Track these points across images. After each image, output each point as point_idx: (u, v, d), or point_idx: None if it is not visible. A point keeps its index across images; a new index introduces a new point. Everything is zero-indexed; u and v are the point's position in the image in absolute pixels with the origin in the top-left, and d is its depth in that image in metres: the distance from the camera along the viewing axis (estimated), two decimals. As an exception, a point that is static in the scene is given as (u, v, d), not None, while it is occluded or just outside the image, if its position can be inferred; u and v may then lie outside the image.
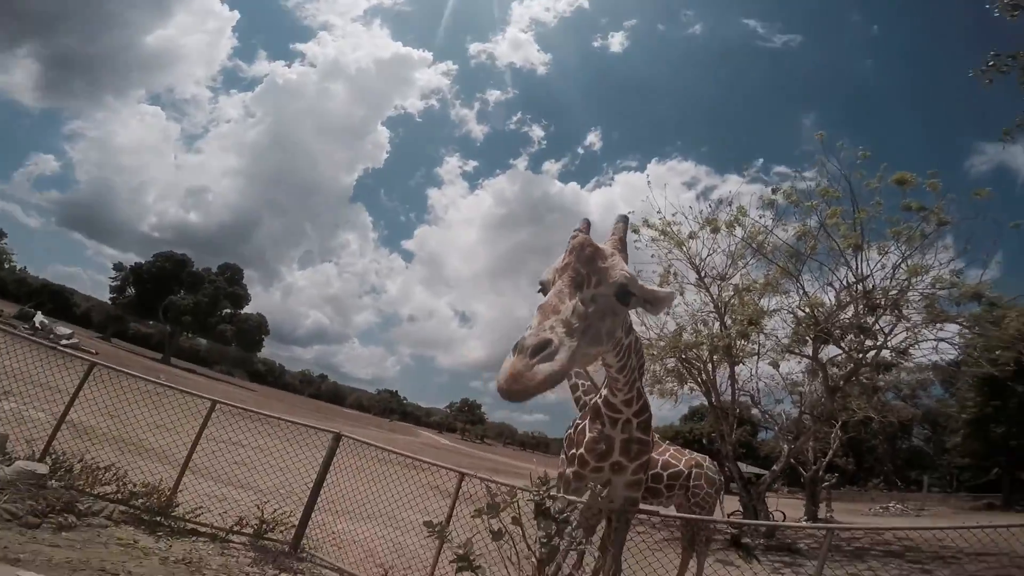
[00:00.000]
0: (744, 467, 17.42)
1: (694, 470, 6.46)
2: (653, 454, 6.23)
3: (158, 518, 4.74)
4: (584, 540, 3.45)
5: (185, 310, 62.19)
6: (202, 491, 6.75)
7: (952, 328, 13.39)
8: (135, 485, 5.23)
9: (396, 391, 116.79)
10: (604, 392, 3.73)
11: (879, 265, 13.99)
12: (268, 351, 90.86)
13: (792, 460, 16.26)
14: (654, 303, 2.77)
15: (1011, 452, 31.92)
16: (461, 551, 3.09)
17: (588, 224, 2.72)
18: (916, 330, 13.77)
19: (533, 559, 3.25)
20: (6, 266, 74.57)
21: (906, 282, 13.39)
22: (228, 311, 76.20)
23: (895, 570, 9.68)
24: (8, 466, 4.45)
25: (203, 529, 5.09)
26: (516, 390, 1.83)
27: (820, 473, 19.15)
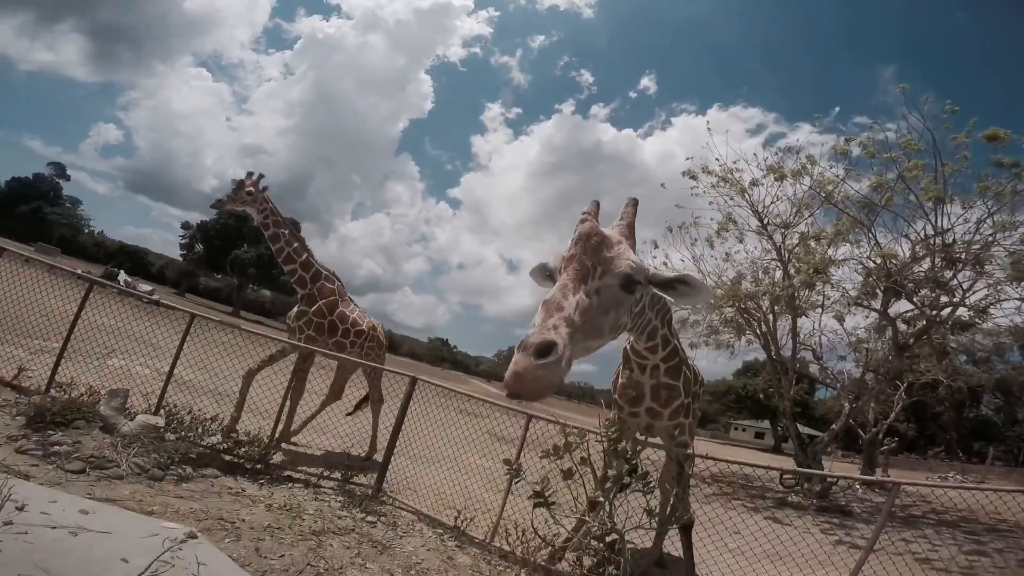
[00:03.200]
0: (800, 427, 17.04)
1: (371, 331, 7.51)
2: (345, 310, 7.20)
3: (259, 466, 5.28)
4: (652, 481, 3.46)
5: (249, 263, 65.35)
6: (293, 440, 7.43)
7: (1038, 288, 12.37)
8: (237, 435, 5.83)
9: (447, 339, 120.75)
10: (630, 338, 3.72)
11: (961, 219, 12.98)
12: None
13: (851, 421, 15.79)
14: (686, 293, 2.74)
15: None
16: (538, 487, 3.25)
17: (597, 207, 2.64)
18: (998, 287, 12.87)
19: (599, 497, 3.41)
20: (85, 231, 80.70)
21: (991, 237, 12.39)
22: (290, 264, 79.75)
23: (949, 539, 9.57)
24: (132, 420, 5.04)
25: (297, 476, 5.60)
26: (520, 392, 1.88)
27: (880, 436, 18.49)
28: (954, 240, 12.96)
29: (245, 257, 67.10)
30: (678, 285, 2.76)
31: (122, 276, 29.91)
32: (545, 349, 1.91)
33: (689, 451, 4.38)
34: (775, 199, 15.15)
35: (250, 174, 7.09)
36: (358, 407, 8.31)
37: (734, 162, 15.53)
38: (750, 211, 15.45)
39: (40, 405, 4.61)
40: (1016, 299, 12.75)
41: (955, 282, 13.20)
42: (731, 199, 15.64)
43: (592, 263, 2.34)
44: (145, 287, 29.58)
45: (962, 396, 29.79)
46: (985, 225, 12.54)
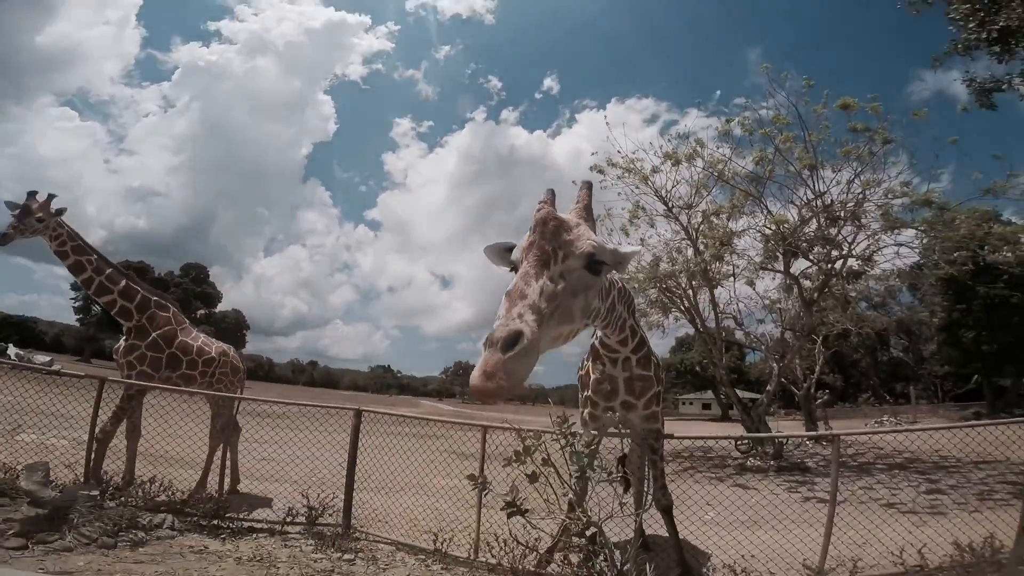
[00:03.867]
0: (739, 393, 18.15)
1: (222, 357, 7.08)
2: (187, 339, 6.65)
3: (215, 521, 5.06)
4: (618, 471, 3.58)
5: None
6: (243, 489, 7.10)
7: (909, 233, 14.33)
8: (182, 493, 5.54)
9: (388, 365, 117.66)
10: (599, 334, 3.76)
11: (834, 182, 14.77)
12: (252, 346, 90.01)
13: (783, 380, 17.18)
14: (623, 263, 2.67)
15: (985, 358, 33.56)
16: (508, 498, 3.25)
17: (553, 195, 2.59)
18: (876, 237, 14.67)
19: (570, 495, 3.49)
20: None
21: (861, 194, 14.20)
22: (202, 312, 74.63)
23: (903, 482, 10.09)
24: (60, 492, 4.70)
25: (259, 525, 5.38)
26: (491, 389, 1.72)
27: (812, 391, 20.14)
28: (832, 201, 14.70)
29: (154, 313, 61.90)
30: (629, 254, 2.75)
31: (12, 350, 26.75)
32: (512, 340, 1.80)
33: (659, 434, 4.50)
34: (675, 183, 16.34)
35: (32, 194, 6.08)
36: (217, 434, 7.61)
37: (633, 152, 16.63)
38: (655, 197, 16.58)
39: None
40: (893, 245, 14.65)
41: (840, 237, 14.96)
42: (637, 188, 16.70)
43: (552, 247, 2.26)
44: (42, 358, 26.74)
45: (872, 341, 32.74)
46: (855, 184, 14.40)
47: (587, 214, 2.70)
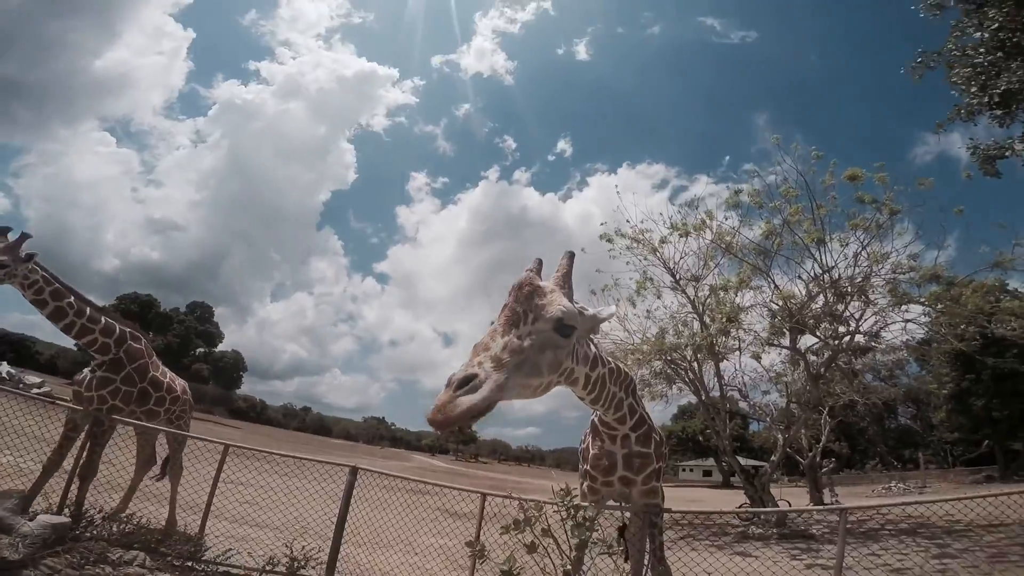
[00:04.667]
0: (742, 460, 17.77)
1: (183, 395, 6.91)
2: (157, 375, 6.39)
3: (189, 563, 4.78)
4: (619, 544, 3.56)
5: (156, 352, 60.19)
6: (221, 532, 6.73)
7: (917, 309, 14.25)
8: (157, 532, 5.27)
9: (383, 417, 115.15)
10: (599, 411, 3.80)
11: (842, 255, 14.84)
12: (247, 387, 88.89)
13: (788, 449, 16.74)
14: (595, 326, 2.94)
15: (995, 424, 33.26)
16: (505, 567, 3.23)
17: (540, 263, 2.84)
18: (884, 313, 14.59)
19: (567, 567, 3.43)
20: None
21: (868, 269, 14.27)
22: (202, 350, 74.40)
23: (913, 547, 9.85)
24: (31, 521, 4.46)
25: (235, 571, 5.10)
26: (439, 420, 1.97)
27: (817, 459, 19.61)
28: (839, 276, 14.74)
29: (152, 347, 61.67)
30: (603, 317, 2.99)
31: (4, 367, 26.57)
32: (465, 381, 2.05)
33: (659, 508, 4.44)
34: (683, 255, 16.52)
35: (4, 230, 5.44)
36: (164, 470, 7.26)
37: (641, 221, 16.88)
38: (663, 268, 16.73)
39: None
40: (900, 321, 14.53)
41: (847, 313, 14.86)
42: (645, 258, 16.89)
43: (523, 309, 2.45)
44: (33, 379, 26.44)
45: (879, 410, 32.42)
46: (861, 257, 14.47)
47: (564, 281, 2.86)
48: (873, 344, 15.92)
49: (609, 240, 17.20)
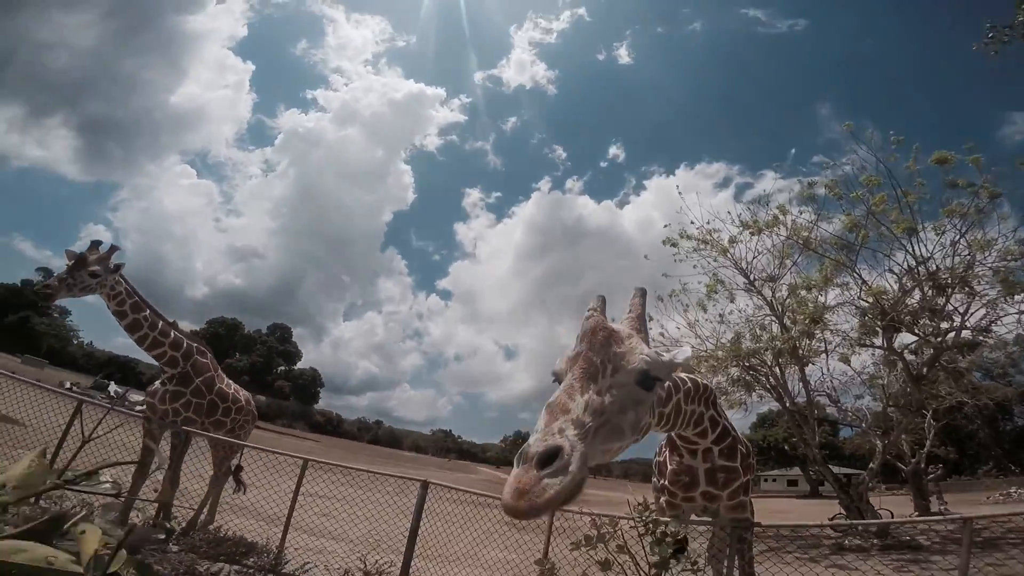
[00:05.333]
0: (835, 469, 16.44)
1: (248, 405, 6.99)
2: (223, 387, 6.50)
3: (271, 575, 4.91)
4: (700, 562, 3.30)
5: (242, 371, 64.83)
6: (299, 544, 6.94)
7: (1032, 299, 12.54)
8: (242, 544, 5.46)
9: (450, 430, 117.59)
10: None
11: (938, 245, 13.39)
12: (324, 402, 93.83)
13: (888, 456, 15.28)
14: (672, 371, 2.37)
15: None
16: None
17: (603, 301, 2.42)
18: (993, 305, 13.00)
19: None
20: (74, 342, 79.93)
21: (970, 258, 12.77)
22: (283, 368, 79.09)
23: None
24: (129, 533, 4.73)
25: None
26: (523, 509, 1.54)
27: (921, 465, 17.79)
28: (936, 267, 13.27)
29: (238, 366, 66.52)
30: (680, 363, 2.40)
31: (112, 387, 29.33)
32: (549, 457, 1.62)
33: (748, 523, 4.18)
34: (756, 254, 15.55)
35: (97, 243, 5.75)
36: (237, 480, 7.44)
37: (708, 222, 16.04)
38: (735, 269, 15.78)
39: (30, 516, 4.32)
40: (1015, 313, 12.84)
41: (950, 307, 13.33)
42: (714, 260, 16.01)
43: (601, 359, 2.06)
44: (137, 397, 29.02)
45: (991, 412, 29.26)
46: (960, 246, 12.95)
47: (640, 324, 2.45)
48: (982, 339, 14.25)
49: (674, 244, 16.43)
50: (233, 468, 7.34)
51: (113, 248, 5.76)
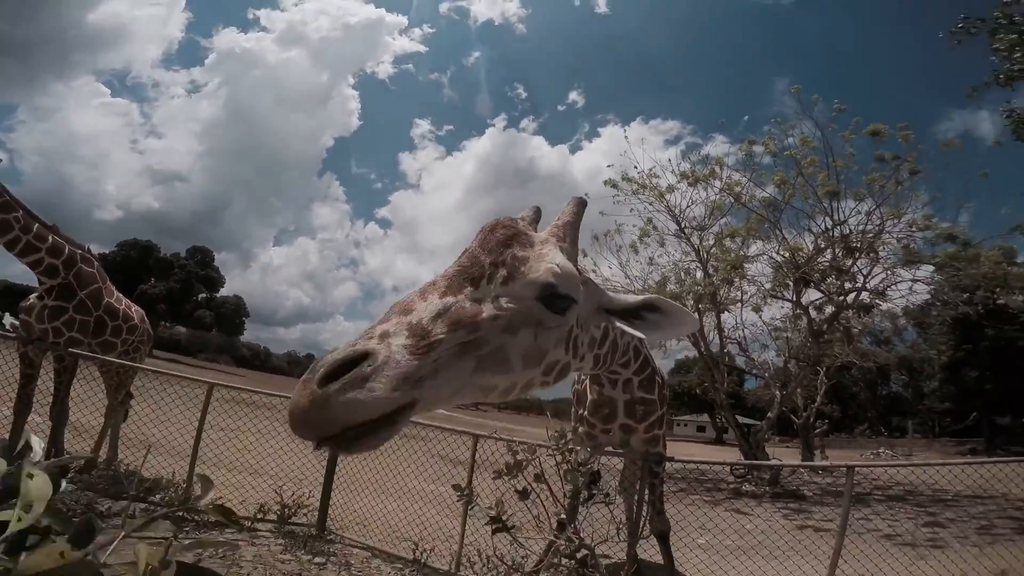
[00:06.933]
0: (737, 418, 17.99)
1: (141, 325, 6.53)
2: (112, 301, 5.92)
3: (180, 513, 4.73)
4: (612, 491, 3.36)
5: (157, 298, 60.67)
6: (213, 480, 6.72)
7: (926, 270, 14.10)
8: (147, 481, 5.21)
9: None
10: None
11: (855, 211, 14.52)
12: (250, 334, 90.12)
13: (783, 408, 16.90)
14: (659, 324, 1.93)
15: (986, 396, 33.80)
16: (493, 512, 3.04)
17: (538, 212, 2.06)
18: (893, 271, 14.40)
19: (561, 514, 3.26)
20: None
21: (881, 225, 13.96)
22: (203, 296, 74.70)
23: (901, 514, 10.00)
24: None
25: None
26: (303, 433, 1.17)
27: (811, 420, 19.92)
28: (850, 231, 14.43)
29: (153, 292, 62.10)
30: (645, 314, 1.94)
31: (7, 319, 26.75)
32: (348, 365, 1.17)
33: (661, 457, 4.27)
34: (690, 203, 16.15)
35: None
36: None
37: (650, 169, 16.44)
38: (668, 216, 16.37)
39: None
40: (908, 280, 14.37)
41: (855, 268, 14.64)
42: (650, 205, 16.51)
43: (492, 260, 1.57)
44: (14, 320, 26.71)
45: (873, 376, 32.75)
46: (875, 215, 14.13)
47: (564, 233, 1.90)
48: (877, 303, 15.78)
49: (614, 185, 16.82)
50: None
51: None
